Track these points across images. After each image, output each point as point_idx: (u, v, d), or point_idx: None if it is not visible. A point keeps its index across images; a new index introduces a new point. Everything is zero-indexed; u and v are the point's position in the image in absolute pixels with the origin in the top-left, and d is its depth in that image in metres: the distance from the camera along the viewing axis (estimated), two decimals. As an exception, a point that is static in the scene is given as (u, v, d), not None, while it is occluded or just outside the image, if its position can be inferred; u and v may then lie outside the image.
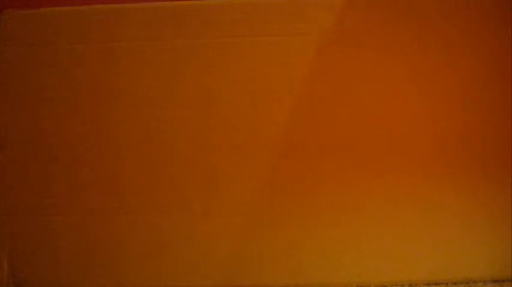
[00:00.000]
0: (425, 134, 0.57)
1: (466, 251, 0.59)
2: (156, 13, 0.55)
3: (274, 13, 0.55)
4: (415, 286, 0.59)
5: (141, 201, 0.59)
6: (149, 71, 0.56)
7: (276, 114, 0.57)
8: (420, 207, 0.58)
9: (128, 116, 0.57)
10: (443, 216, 0.58)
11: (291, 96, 0.56)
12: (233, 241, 0.59)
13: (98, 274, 0.60)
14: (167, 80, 0.56)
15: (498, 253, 0.59)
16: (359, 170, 0.57)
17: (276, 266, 0.60)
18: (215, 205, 0.59)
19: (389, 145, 0.57)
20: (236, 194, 0.58)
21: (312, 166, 0.57)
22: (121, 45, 0.56)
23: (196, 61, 0.56)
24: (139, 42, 0.56)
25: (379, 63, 0.55)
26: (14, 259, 0.60)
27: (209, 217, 0.59)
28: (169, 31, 0.55)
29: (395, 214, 0.58)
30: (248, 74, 0.56)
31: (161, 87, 0.56)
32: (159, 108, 0.57)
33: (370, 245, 0.59)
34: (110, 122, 0.57)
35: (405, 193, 0.58)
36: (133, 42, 0.56)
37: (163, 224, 0.59)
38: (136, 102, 0.57)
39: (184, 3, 0.55)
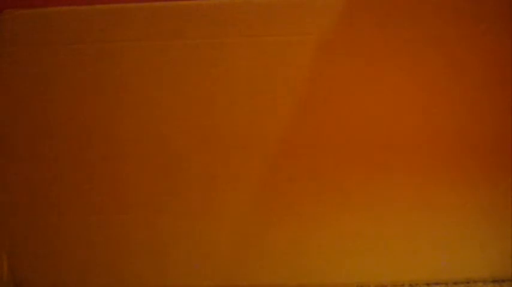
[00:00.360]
0: (425, 134, 0.57)
1: (466, 251, 0.59)
2: (156, 13, 0.55)
3: (274, 13, 0.55)
4: (415, 286, 0.59)
5: (141, 201, 0.59)
6: (149, 71, 0.56)
7: (276, 114, 0.57)
8: (420, 207, 0.58)
9: (127, 116, 0.57)
10: (443, 216, 0.58)
11: (291, 96, 0.56)
12: (233, 241, 0.59)
13: (98, 274, 0.60)
14: (167, 80, 0.56)
15: (498, 253, 0.59)
16: (359, 171, 0.57)
17: (276, 266, 0.60)
18: (215, 205, 0.59)
19: (389, 144, 0.57)
20: (236, 194, 0.58)
21: (311, 166, 0.57)
22: (121, 45, 0.56)
23: (196, 61, 0.56)
24: (139, 42, 0.55)
25: (379, 63, 0.55)
26: (14, 259, 0.60)
27: (209, 217, 0.59)
28: (169, 31, 0.55)
29: (396, 213, 0.58)
30: (248, 74, 0.56)
31: (161, 87, 0.56)
32: (159, 108, 0.57)
33: (370, 245, 0.59)
34: (110, 122, 0.57)
35: (405, 193, 0.58)
36: (133, 42, 0.56)
37: (163, 224, 0.59)
38: (136, 102, 0.57)
39: (184, 3, 0.55)
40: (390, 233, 0.58)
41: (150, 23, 0.55)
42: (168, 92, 0.56)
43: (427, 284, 0.59)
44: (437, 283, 0.59)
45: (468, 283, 0.59)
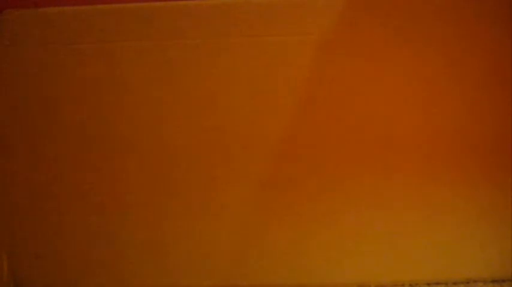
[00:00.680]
0: (425, 133, 0.57)
1: (466, 251, 0.59)
2: (156, 13, 0.55)
3: (274, 13, 0.55)
4: (415, 286, 0.59)
5: (141, 201, 0.59)
6: (149, 71, 0.56)
7: (276, 114, 0.57)
8: (420, 207, 0.58)
9: (127, 116, 0.57)
10: (443, 216, 0.58)
11: (291, 96, 0.56)
12: (233, 241, 0.59)
13: (98, 273, 0.60)
14: (167, 80, 0.56)
15: (498, 253, 0.59)
16: (359, 171, 0.57)
17: (276, 266, 0.60)
18: (215, 205, 0.59)
19: (389, 144, 0.57)
20: (236, 194, 0.58)
21: (312, 166, 0.57)
22: (121, 45, 0.56)
23: (197, 61, 0.56)
24: (139, 42, 0.55)
25: (379, 63, 0.55)
26: (14, 259, 0.60)
27: (209, 216, 0.59)
28: (169, 31, 0.55)
29: (396, 213, 0.58)
30: (248, 74, 0.56)
31: (161, 87, 0.56)
32: (159, 108, 0.57)
33: (370, 245, 0.59)
34: (110, 122, 0.57)
35: (405, 193, 0.58)
36: (133, 42, 0.55)
37: (163, 224, 0.59)
38: (137, 102, 0.57)
39: (184, 3, 0.55)
40: (390, 233, 0.58)
41: (150, 23, 0.55)
42: (168, 92, 0.56)
43: (427, 284, 0.59)
44: (437, 283, 0.59)
45: (468, 283, 0.59)
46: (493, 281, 0.59)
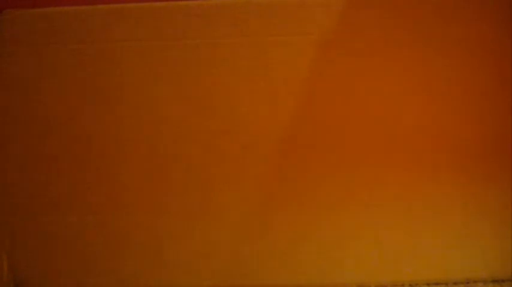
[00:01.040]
0: (424, 134, 0.57)
1: (466, 251, 0.59)
2: (156, 13, 0.55)
3: (274, 13, 0.55)
4: (415, 286, 0.59)
5: (140, 201, 0.59)
6: (149, 71, 0.56)
7: (276, 114, 0.56)
8: (420, 207, 0.58)
9: (127, 116, 0.57)
10: (443, 216, 0.58)
11: (291, 96, 0.56)
12: (233, 241, 0.59)
13: (98, 273, 0.60)
14: (167, 80, 0.56)
15: (498, 253, 0.59)
16: (359, 171, 0.57)
17: (276, 266, 0.60)
18: (215, 205, 0.59)
19: (389, 144, 0.57)
20: (236, 194, 0.58)
21: (311, 166, 0.57)
22: (121, 45, 0.56)
23: (197, 61, 0.56)
24: (139, 42, 0.55)
25: (379, 63, 0.55)
26: (14, 259, 0.60)
27: (209, 217, 0.59)
28: (169, 31, 0.55)
29: (396, 214, 0.58)
30: (248, 74, 0.56)
31: (161, 87, 0.56)
32: (159, 109, 0.57)
33: (370, 245, 0.59)
34: (109, 122, 0.57)
35: (405, 193, 0.58)
36: (133, 42, 0.55)
37: (162, 224, 0.59)
38: (136, 103, 0.57)
39: (184, 3, 0.55)
40: (390, 233, 0.58)
41: (150, 23, 0.55)
42: (168, 92, 0.56)
43: (427, 284, 0.59)
44: (437, 283, 0.59)
45: (468, 283, 0.59)
46: (493, 281, 0.59)
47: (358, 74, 0.55)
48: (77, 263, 0.60)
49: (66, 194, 0.59)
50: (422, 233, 0.58)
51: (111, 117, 0.57)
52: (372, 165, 0.57)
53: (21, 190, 0.59)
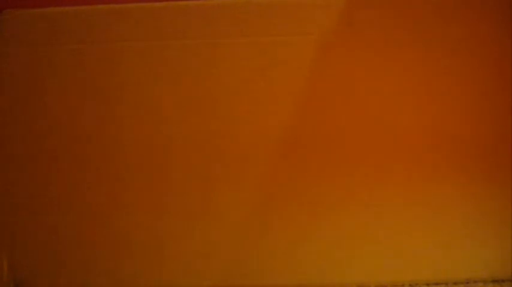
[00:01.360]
0: (425, 133, 0.57)
1: (466, 251, 0.59)
2: (156, 13, 0.55)
3: (274, 13, 0.55)
4: (415, 286, 0.59)
5: (140, 201, 0.59)
6: (149, 71, 0.56)
7: (276, 114, 0.57)
8: (420, 207, 0.58)
9: (127, 116, 0.57)
10: (443, 216, 0.58)
11: (291, 96, 0.56)
12: (233, 241, 0.59)
13: (98, 274, 0.60)
14: (167, 80, 0.56)
15: (498, 253, 0.59)
16: (358, 171, 0.57)
17: (276, 266, 0.60)
18: (215, 205, 0.59)
19: (389, 144, 0.57)
20: (236, 194, 0.58)
21: (312, 166, 0.57)
22: (121, 45, 0.56)
23: (196, 61, 0.56)
24: (139, 42, 0.55)
25: (379, 63, 0.55)
26: (14, 259, 0.60)
27: (209, 217, 0.59)
28: (169, 31, 0.55)
29: (396, 214, 0.58)
30: (248, 74, 0.56)
31: (161, 87, 0.56)
32: (159, 109, 0.57)
33: (369, 245, 0.59)
34: (109, 122, 0.57)
35: (405, 193, 0.58)
36: (133, 42, 0.55)
37: (163, 224, 0.59)
38: (136, 103, 0.57)
39: (184, 3, 0.55)
40: (390, 233, 0.58)
41: (150, 23, 0.55)
42: (168, 92, 0.56)
43: (427, 284, 0.59)
44: (437, 283, 0.59)
45: (468, 283, 0.59)
46: (493, 281, 0.59)
47: (358, 74, 0.55)
48: (77, 263, 0.60)
49: (66, 194, 0.59)
50: (422, 233, 0.58)
51: (111, 117, 0.57)
52: (372, 165, 0.57)
53: (21, 190, 0.59)
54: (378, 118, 0.56)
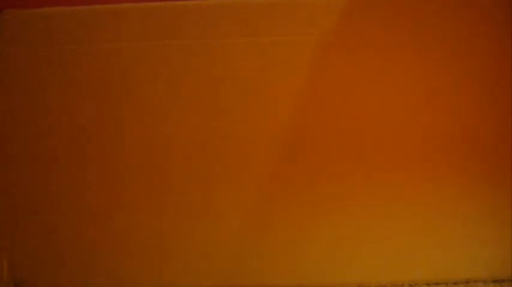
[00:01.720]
0: (425, 134, 0.57)
1: (466, 251, 0.59)
2: (155, 13, 0.55)
3: (274, 13, 0.55)
4: (415, 286, 0.59)
5: (141, 201, 0.59)
6: (149, 71, 0.56)
7: (276, 114, 0.57)
8: (420, 207, 0.58)
9: (127, 116, 0.57)
10: (443, 216, 0.58)
11: (291, 96, 0.56)
12: (233, 241, 0.59)
13: (98, 273, 0.60)
14: (167, 80, 0.56)
15: (498, 253, 0.59)
16: (359, 171, 0.57)
17: (276, 266, 0.60)
18: (215, 205, 0.59)
19: (389, 145, 0.57)
20: (236, 195, 0.58)
21: (312, 166, 0.57)
22: (121, 45, 0.56)
23: (197, 61, 0.56)
24: (139, 43, 0.55)
25: (379, 63, 0.55)
26: (14, 259, 0.60)
27: (209, 217, 0.59)
28: (169, 31, 0.55)
29: (395, 214, 0.58)
30: (248, 74, 0.56)
31: (161, 87, 0.56)
32: (159, 109, 0.57)
33: (370, 245, 0.59)
34: (109, 122, 0.57)
35: (405, 193, 0.58)
36: (133, 42, 0.55)
37: (163, 224, 0.59)
38: (136, 103, 0.57)
39: (184, 3, 0.55)
40: (390, 233, 0.58)
41: (149, 23, 0.55)
42: (168, 92, 0.56)
43: (427, 284, 0.59)
44: (437, 283, 0.59)
45: (468, 283, 0.59)
46: (493, 281, 0.59)
47: (358, 74, 0.55)
48: (77, 263, 0.60)
49: (66, 194, 0.59)
50: (422, 233, 0.58)
51: (111, 117, 0.57)
52: (372, 165, 0.57)
53: (21, 190, 0.59)
54: (378, 118, 0.56)
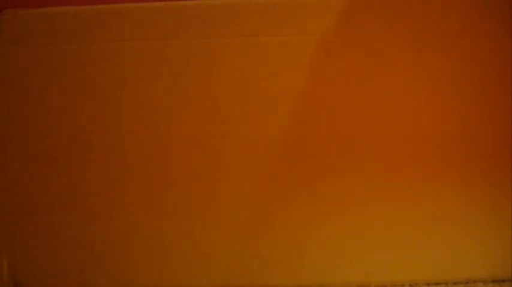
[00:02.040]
0: (424, 134, 0.57)
1: (466, 251, 0.59)
2: (156, 13, 0.55)
3: (274, 13, 0.55)
4: (415, 286, 0.59)
5: (140, 201, 0.59)
6: (149, 71, 0.56)
7: (276, 115, 0.57)
8: (420, 207, 0.58)
9: (127, 116, 0.57)
10: (443, 216, 0.58)
11: (291, 97, 0.56)
12: (233, 241, 0.59)
13: (98, 273, 0.60)
14: (167, 80, 0.56)
15: (498, 253, 0.59)
16: (359, 171, 0.57)
17: (276, 266, 0.60)
18: (215, 205, 0.59)
19: (389, 145, 0.57)
20: (236, 195, 0.58)
21: (312, 166, 0.57)
22: (121, 45, 0.56)
23: (197, 61, 0.56)
24: (139, 43, 0.55)
25: (379, 63, 0.55)
26: (14, 259, 0.60)
27: (209, 216, 0.59)
28: (169, 31, 0.55)
29: (395, 214, 0.58)
30: (248, 74, 0.56)
31: (161, 87, 0.56)
32: (160, 109, 0.57)
33: (370, 245, 0.59)
34: (110, 122, 0.57)
35: (405, 193, 0.58)
36: (133, 42, 0.56)
37: (163, 224, 0.59)
38: (136, 103, 0.57)
39: (184, 3, 0.55)
40: (390, 233, 0.58)
41: (149, 23, 0.55)
42: (168, 92, 0.56)
43: (427, 284, 0.59)
44: (437, 283, 0.59)
45: (468, 283, 0.59)
46: (493, 281, 0.59)
47: (358, 74, 0.55)
48: (77, 263, 0.60)
49: (66, 194, 0.59)
50: (422, 233, 0.58)
51: (111, 117, 0.57)
52: (372, 165, 0.57)
53: (21, 190, 0.59)
54: (378, 118, 0.56)
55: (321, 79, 0.56)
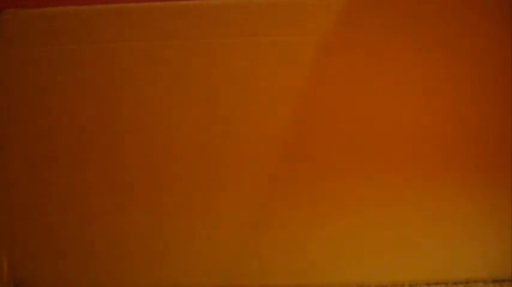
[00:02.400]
0: (424, 134, 0.57)
1: (466, 251, 0.59)
2: (156, 13, 0.55)
3: (274, 13, 0.55)
4: (415, 286, 0.59)
5: (140, 201, 0.59)
6: (149, 71, 0.56)
7: (276, 115, 0.57)
8: (420, 207, 0.58)
9: (128, 116, 0.57)
10: (444, 216, 0.58)
11: (290, 97, 0.56)
12: (233, 241, 0.59)
13: (98, 273, 0.60)
14: (168, 80, 0.56)
15: (498, 253, 0.59)
16: (359, 171, 0.57)
17: (276, 266, 0.60)
18: (215, 205, 0.59)
19: (389, 145, 0.57)
20: (236, 195, 0.58)
21: (312, 166, 0.57)
22: (121, 45, 0.56)
23: (197, 61, 0.56)
24: (139, 43, 0.55)
25: (379, 63, 0.55)
26: (14, 259, 0.60)
27: (209, 216, 0.59)
28: (169, 31, 0.55)
29: (395, 214, 0.58)
30: (248, 74, 0.56)
31: (162, 87, 0.56)
32: (160, 109, 0.57)
33: (369, 245, 0.59)
34: (110, 122, 0.57)
35: (405, 193, 0.58)
36: (133, 42, 0.56)
37: (163, 224, 0.59)
38: (137, 103, 0.57)
39: (184, 3, 0.55)
40: (390, 233, 0.58)
41: (149, 23, 0.55)
42: (168, 92, 0.56)
43: (427, 284, 0.59)
44: (437, 283, 0.59)
45: (468, 283, 0.59)
46: (493, 281, 0.59)
47: (358, 74, 0.55)
48: (77, 263, 0.60)
49: (67, 194, 0.59)
50: (422, 233, 0.58)
51: (111, 117, 0.57)
52: (372, 165, 0.57)
53: (21, 190, 0.59)
54: (378, 118, 0.56)
55: (321, 79, 0.56)
